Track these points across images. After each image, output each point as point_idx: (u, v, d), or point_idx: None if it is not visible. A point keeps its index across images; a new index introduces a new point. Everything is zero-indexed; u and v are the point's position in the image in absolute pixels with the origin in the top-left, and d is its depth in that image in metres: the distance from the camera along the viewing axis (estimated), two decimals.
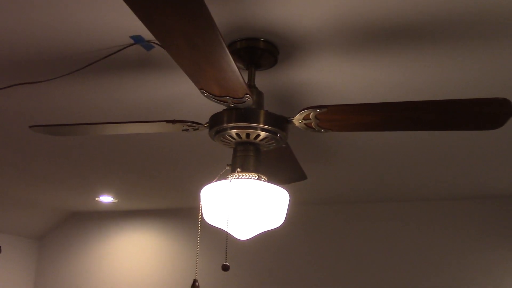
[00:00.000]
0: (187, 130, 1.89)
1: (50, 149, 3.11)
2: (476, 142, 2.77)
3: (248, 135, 1.78)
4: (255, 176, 1.78)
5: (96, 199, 4.69)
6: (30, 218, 5.13)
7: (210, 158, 3.23)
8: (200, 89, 1.59)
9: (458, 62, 1.93)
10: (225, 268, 1.66)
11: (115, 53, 1.95)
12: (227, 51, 1.37)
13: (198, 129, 1.87)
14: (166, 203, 4.80)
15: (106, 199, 4.68)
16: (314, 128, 1.80)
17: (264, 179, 1.81)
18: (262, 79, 2.13)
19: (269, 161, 2.27)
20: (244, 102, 1.66)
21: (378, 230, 4.27)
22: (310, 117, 1.74)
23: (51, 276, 5.35)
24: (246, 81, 1.89)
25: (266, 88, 2.20)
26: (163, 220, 5.08)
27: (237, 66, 1.92)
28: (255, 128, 1.76)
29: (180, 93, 2.33)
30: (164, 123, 1.85)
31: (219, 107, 1.74)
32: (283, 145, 2.07)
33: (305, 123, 1.78)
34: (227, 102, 1.67)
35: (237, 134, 1.78)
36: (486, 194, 3.88)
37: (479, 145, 2.82)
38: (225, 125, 1.76)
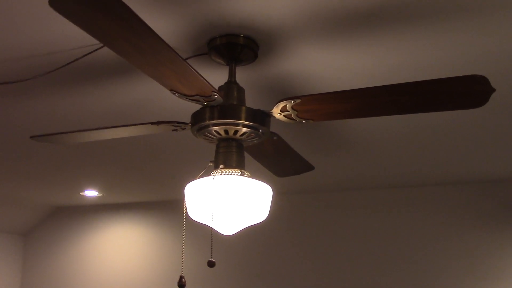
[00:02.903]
0: (176, 130, 1.91)
1: (32, 144, 3.09)
2: (468, 125, 2.78)
3: (229, 131, 1.80)
4: (238, 172, 1.80)
5: (81, 193, 4.68)
6: (14, 214, 5.11)
7: (195, 151, 3.24)
8: (170, 90, 1.64)
9: (439, 41, 1.91)
10: (210, 264, 1.68)
11: (84, 56, 1.97)
12: (175, 53, 1.41)
13: (185, 128, 1.89)
14: (151, 196, 4.80)
15: (91, 193, 4.67)
16: (295, 120, 1.82)
17: (247, 174, 1.83)
18: (244, 75, 2.13)
19: (268, 155, 2.30)
20: (214, 99, 1.69)
21: (365, 218, 4.31)
22: (288, 109, 1.76)
23: (38, 272, 5.34)
24: (227, 77, 1.91)
25: (249, 83, 2.21)
26: (149, 213, 5.08)
27: (217, 62, 1.96)
28: (236, 124, 1.78)
29: (153, 94, 2.36)
30: (150, 125, 1.87)
31: (193, 105, 1.75)
32: (274, 138, 2.09)
33: (284, 115, 1.80)
34: (199, 101, 1.70)
35: (219, 131, 1.80)
36: (476, 179, 3.92)
37: (469, 129, 2.82)
38: (206, 122, 1.78)
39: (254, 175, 1.87)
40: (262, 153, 2.28)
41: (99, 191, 4.62)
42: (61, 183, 4.28)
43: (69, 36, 1.86)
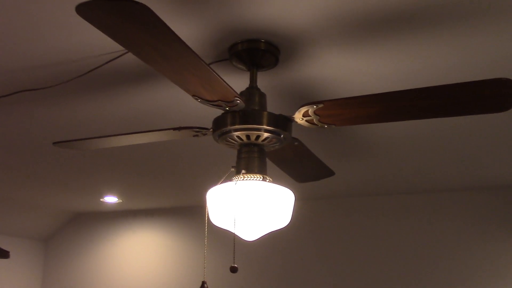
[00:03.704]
0: (197, 135, 1.91)
1: (54, 150, 3.12)
2: (489, 130, 2.74)
3: (251, 136, 1.80)
4: (260, 177, 1.79)
5: (101, 199, 4.71)
6: (35, 220, 5.16)
7: (214, 156, 3.25)
8: (193, 95, 1.64)
9: (460, 44, 1.88)
10: (233, 270, 1.68)
11: (107, 63, 1.99)
12: (200, 59, 1.42)
13: (206, 134, 1.89)
14: (171, 202, 4.81)
15: (110, 199, 4.70)
16: (317, 125, 1.81)
17: (269, 180, 1.82)
18: (265, 80, 2.13)
19: (288, 160, 2.29)
20: (236, 105, 1.68)
21: (386, 224, 4.26)
22: (310, 114, 1.75)
23: (58, 277, 5.38)
24: (248, 83, 1.91)
25: (270, 89, 2.21)
26: (168, 219, 5.09)
27: (238, 68, 1.97)
28: (258, 130, 1.78)
29: (174, 100, 2.38)
30: (171, 131, 1.87)
31: (214, 110, 1.76)
32: (295, 143, 2.09)
33: (306, 120, 1.80)
34: (222, 106, 1.70)
35: (240, 136, 1.80)
36: (492, 185, 3.87)
37: (491, 134, 2.78)
38: (228, 127, 1.78)
39: (275, 180, 1.86)
40: (283, 158, 2.27)
41: (118, 197, 4.65)
42: (81, 189, 4.31)
43: (92, 43, 1.87)
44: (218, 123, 1.81)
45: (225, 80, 1.57)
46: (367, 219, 4.33)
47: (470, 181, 3.78)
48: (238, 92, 1.79)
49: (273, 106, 2.19)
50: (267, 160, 1.96)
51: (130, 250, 5.17)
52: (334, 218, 4.45)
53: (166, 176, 3.82)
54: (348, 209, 4.41)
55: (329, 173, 2.51)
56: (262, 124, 1.77)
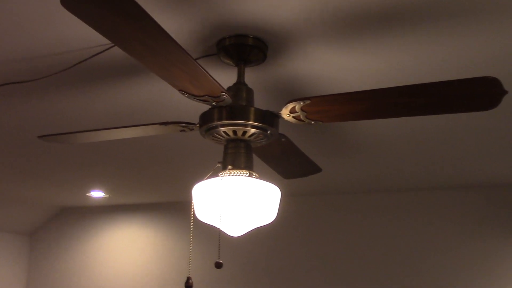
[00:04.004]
0: (183, 131, 1.90)
1: (40, 143, 3.10)
2: (479, 128, 2.75)
3: (237, 132, 1.79)
4: (246, 173, 1.79)
5: (87, 194, 4.68)
6: (20, 214, 5.12)
7: (201, 152, 3.24)
8: (180, 90, 1.63)
9: (450, 43, 1.89)
10: (218, 265, 1.68)
11: (92, 56, 1.98)
12: (186, 53, 1.41)
13: (193, 129, 1.88)
14: (158, 197, 4.80)
15: (97, 194, 4.67)
16: (304, 121, 1.81)
17: (256, 175, 1.82)
18: (253, 75, 2.13)
19: (275, 156, 2.29)
20: (223, 100, 1.68)
21: (372, 221, 4.29)
22: (297, 110, 1.75)
23: (43, 272, 5.34)
24: (236, 78, 1.91)
25: (258, 84, 2.20)
26: (155, 214, 5.08)
27: (226, 63, 1.96)
28: (245, 125, 1.77)
29: (161, 94, 2.36)
30: (158, 125, 1.86)
31: (201, 106, 1.75)
32: (283, 139, 2.08)
33: (293, 116, 1.79)
34: (208, 101, 1.70)
35: (227, 132, 1.79)
36: (485, 183, 3.89)
37: (480, 132, 2.79)
38: (215, 122, 1.77)
39: (262, 177, 1.86)
40: (270, 154, 2.27)
41: (105, 192, 4.62)
42: (67, 184, 4.28)
43: (78, 37, 1.86)
44: (205, 118, 1.80)
45: (212, 75, 1.56)
46: (354, 216, 4.35)
47: (457, 179, 3.81)
48: (226, 88, 1.78)
49: (260, 102, 2.18)
50: (254, 156, 1.95)
51: (116, 245, 5.15)
52: (320, 214, 4.46)
53: (153, 171, 3.81)
54: (335, 206, 4.43)
55: (316, 169, 2.51)
56: (249, 120, 1.77)
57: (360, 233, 4.29)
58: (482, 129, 2.76)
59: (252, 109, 1.79)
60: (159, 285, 4.84)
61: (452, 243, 4.00)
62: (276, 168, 2.47)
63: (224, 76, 2.10)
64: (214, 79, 1.56)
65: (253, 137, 1.82)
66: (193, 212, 1.82)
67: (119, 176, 4.00)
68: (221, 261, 1.68)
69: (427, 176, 3.74)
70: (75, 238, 5.32)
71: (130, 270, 5.00)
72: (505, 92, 1.51)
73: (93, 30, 1.32)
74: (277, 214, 1.85)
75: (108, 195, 4.74)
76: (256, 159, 2.00)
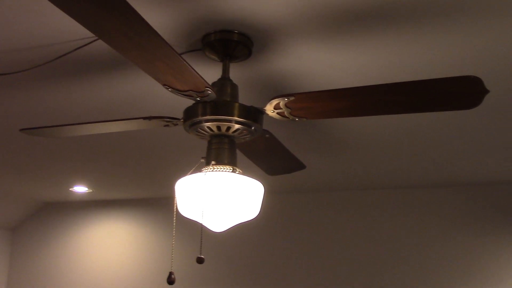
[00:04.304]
0: (167, 125, 1.90)
1: (22, 137, 3.06)
2: (462, 127, 2.78)
3: (221, 127, 1.79)
4: (230, 169, 1.79)
5: (70, 189, 4.64)
6: (2, 209, 5.06)
7: (185, 147, 3.23)
8: (164, 85, 1.63)
9: (434, 42, 1.91)
10: (199, 260, 1.67)
11: (76, 49, 1.95)
12: (171, 48, 1.41)
13: (177, 124, 1.87)
14: (141, 193, 4.78)
15: (80, 189, 4.63)
16: (288, 117, 1.81)
17: (239, 171, 1.82)
18: (238, 71, 2.13)
19: (259, 152, 2.29)
20: (207, 95, 1.68)
21: (356, 219, 4.31)
22: (281, 106, 1.75)
23: (25, 267, 5.29)
24: (221, 73, 1.90)
25: (242, 80, 2.20)
26: (139, 210, 5.05)
27: (211, 58, 1.95)
28: (229, 121, 1.77)
29: (146, 89, 2.35)
30: (141, 120, 1.85)
31: (185, 101, 1.74)
32: (267, 136, 2.09)
33: (277, 113, 1.80)
34: (192, 96, 1.69)
35: (211, 127, 1.79)
36: (471, 181, 3.92)
37: (464, 131, 2.82)
38: (199, 118, 1.77)
39: (246, 173, 1.86)
40: (254, 150, 2.27)
41: (88, 187, 4.59)
42: (50, 178, 4.24)
43: (62, 29, 1.84)
44: (189, 113, 1.80)
45: (197, 70, 1.55)
46: (337, 214, 4.37)
47: (441, 178, 3.85)
48: (210, 83, 1.78)
49: (245, 98, 2.18)
50: (238, 152, 1.95)
51: (98, 241, 5.12)
52: (304, 212, 4.47)
53: (136, 166, 3.79)
54: (318, 203, 4.44)
55: (300, 166, 2.52)
56: (233, 116, 1.76)
57: (344, 231, 4.31)
58: (466, 129, 2.79)
59: (237, 104, 1.79)
60: (142, 280, 4.81)
61: (436, 240, 4.04)
62: (260, 165, 2.47)
63: (209, 72, 2.10)
64: (198, 74, 1.55)
65: (237, 132, 1.82)
66: (176, 207, 1.81)
67: (103, 171, 3.97)
68: (202, 256, 1.68)
69: (411, 174, 3.77)
70: (57, 233, 5.27)
71: (113, 265, 4.98)
72: (487, 91, 1.53)
73: (77, 23, 1.31)
74: (261, 210, 1.85)
75: (91, 190, 4.70)
76: (240, 156, 2.00)
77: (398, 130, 2.83)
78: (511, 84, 2.22)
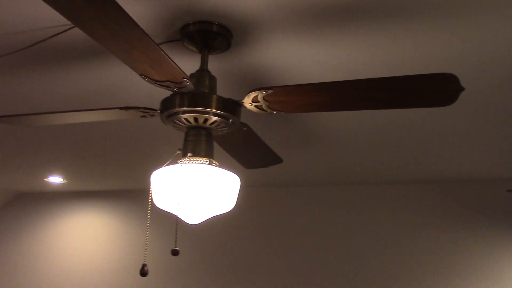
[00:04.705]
0: (144, 116, 1.87)
1: None
2: (439, 124, 2.81)
3: (199, 119, 1.78)
4: (206, 161, 1.78)
5: (45, 179, 4.58)
6: None
7: (162, 139, 3.20)
8: (141, 75, 1.61)
9: (413, 39, 1.92)
10: (174, 252, 1.66)
11: (52, 37, 1.92)
12: (148, 37, 1.39)
13: (154, 115, 1.85)
14: (117, 184, 4.73)
15: (55, 179, 4.57)
16: (266, 110, 1.81)
17: (216, 164, 1.81)
18: (217, 63, 2.11)
19: (237, 145, 2.28)
20: (185, 86, 1.66)
21: (331, 213, 4.34)
22: (259, 99, 1.74)
23: None
24: (199, 65, 1.89)
25: (221, 72, 2.19)
26: (114, 201, 5.01)
27: (190, 49, 1.94)
28: (206, 113, 1.76)
29: (122, 79, 2.32)
30: (118, 110, 1.83)
31: (162, 92, 1.73)
32: (244, 128, 2.08)
33: (255, 106, 1.79)
34: (170, 87, 1.68)
35: (188, 119, 1.77)
36: (444, 178, 3.98)
37: (440, 128, 2.85)
38: (176, 109, 1.75)
39: (223, 166, 1.86)
40: (231, 143, 2.27)
41: (63, 178, 4.53)
42: (24, 168, 4.17)
43: (37, 16, 1.80)
44: (166, 104, 1.78)
45: (175, 61, 1.54)
46: (312, 208, 4.39)
47: (416, 174, 3.89)
48: (188, 74, 1.77)
49: (223, 90, 2.18)
50: (215, 145, 1.94)
51: (73, 233, 5.06)
52: (280, 206, 4.49)
53: (112, 157, 3.75)
54: (294, 198, 4.46)
55: (277, 160, 2.52)
56: (210, 107, 1.75)
57: (318, 225, 4.34)
58: (441, 126, 2.82)
59: (214, 96, 1.78)
60: (116, 272, 4.78)
61: (414, 236, 4.09)
62: (237, 158, 2.46)
63: (188, 63, 2.08)
64: (176, 65, 1.54)
65: (214, 125, 1.81)
66: (151, 199, 1.80)
67: (78, 162, 3.92)
68: (177, 248, 1.67)
69: (387, 170, 3.81)
70: (32, 225, 5.20)
71: (87, 257, 4.93)
72: (462, 89, 1.54)
73: (53, 10, 1.28)
74: (237, 203, 1.84)
75: (66, 181, 4.64)
76: (218, 148, 1.99)
77: (376, 126, 2.85)
78: (488, 82, 2.25)
